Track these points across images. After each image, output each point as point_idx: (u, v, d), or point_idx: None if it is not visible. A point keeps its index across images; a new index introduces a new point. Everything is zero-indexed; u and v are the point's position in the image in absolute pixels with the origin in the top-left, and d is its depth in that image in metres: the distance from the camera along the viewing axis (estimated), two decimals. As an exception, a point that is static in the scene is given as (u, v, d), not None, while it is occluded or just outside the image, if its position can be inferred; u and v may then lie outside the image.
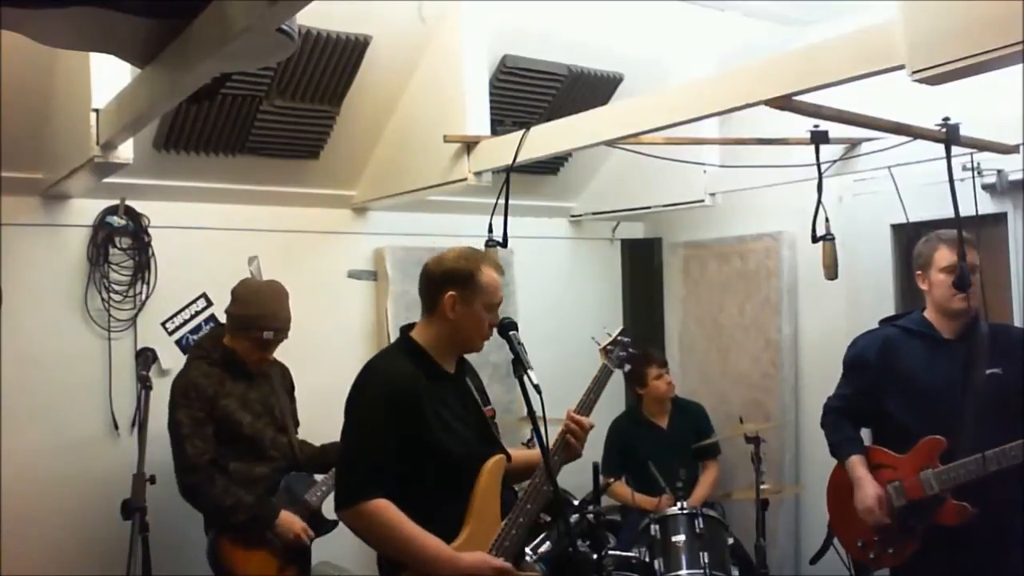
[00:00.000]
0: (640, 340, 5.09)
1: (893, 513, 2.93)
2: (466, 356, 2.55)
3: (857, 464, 3.03)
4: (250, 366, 3.20)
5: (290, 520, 3.08)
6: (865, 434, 3.18)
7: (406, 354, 2.40)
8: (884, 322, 3.22)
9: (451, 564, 2.21)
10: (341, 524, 3.30)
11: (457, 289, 2.36)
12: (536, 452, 2.46)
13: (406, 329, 2.49)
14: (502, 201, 3.11)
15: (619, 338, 2.87)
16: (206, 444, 3.02)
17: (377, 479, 2.23)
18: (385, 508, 2.21)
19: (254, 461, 3.12)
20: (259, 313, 3.16)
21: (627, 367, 2.90)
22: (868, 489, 2.96)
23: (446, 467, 2.31)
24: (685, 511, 3.56)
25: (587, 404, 2.61)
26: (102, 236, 3.51)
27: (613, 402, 4.91)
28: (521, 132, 3.13)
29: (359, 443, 2.31)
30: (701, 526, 3.50)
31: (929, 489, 2.84)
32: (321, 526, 3.28)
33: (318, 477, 3.34)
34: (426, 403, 2.31)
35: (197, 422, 3.02)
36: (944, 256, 2.94)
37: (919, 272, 3.05)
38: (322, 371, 3.86)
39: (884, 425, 3.09)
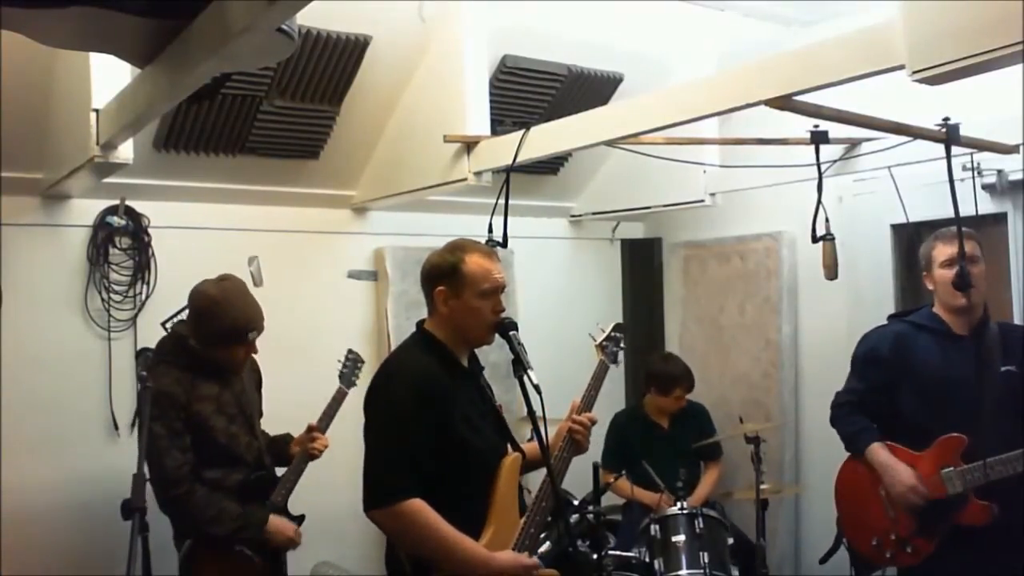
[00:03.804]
0: (644, 340, 5.09)
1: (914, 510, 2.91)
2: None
3: (879, 450, 2.99)
4: (234, 368, 3.06)
5: (282, 525, 2.99)
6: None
7: (426, 349, 2.39)
8: (893, 318, 3.22)
9: (487, 565, 2.22)
10: (337, 523, 3.37)
11: (445, 283, 2.37)
12: (535, 445, 2.49)
13: (421, 323, 2.49)
14: (502, 201, 3.11)
15: (613, 333, 2.96)
16: (184, 455, 2.88)
17: (412, 478, 2.21)
18: (422, 509, 2.19)
19: (229, 468, 2.99)
20: (243, 319, 2.96)
21: (619, 361, 2.99)
22: (901, 469, 2.92)
23: (469, 463, 2.32)
24: (685, 511, 3.56)
25: (589, 400, 2.68)
26: (102, 236, 3.51)
27: (613, 398, 4.92)
28: (521, 132, 3.13)
29: (390, 441, 2.26)
30: (701, 526, 3.50)
31: (952, 488, 2.83)
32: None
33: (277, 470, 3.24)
34: (452, 398, 2.31)
35: (174, 433, 2.87)
36: (942, 251, 2.95)
37: (925, 273, 3.06)
38: (321, 371, 3.86)
39: (897, 421, 3.05)
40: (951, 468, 2.84)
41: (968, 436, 2.82)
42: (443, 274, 2.38)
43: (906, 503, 2.91)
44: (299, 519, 3.20)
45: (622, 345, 3.00)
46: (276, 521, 2.99)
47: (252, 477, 3.07)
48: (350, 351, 3.48)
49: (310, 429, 3.26)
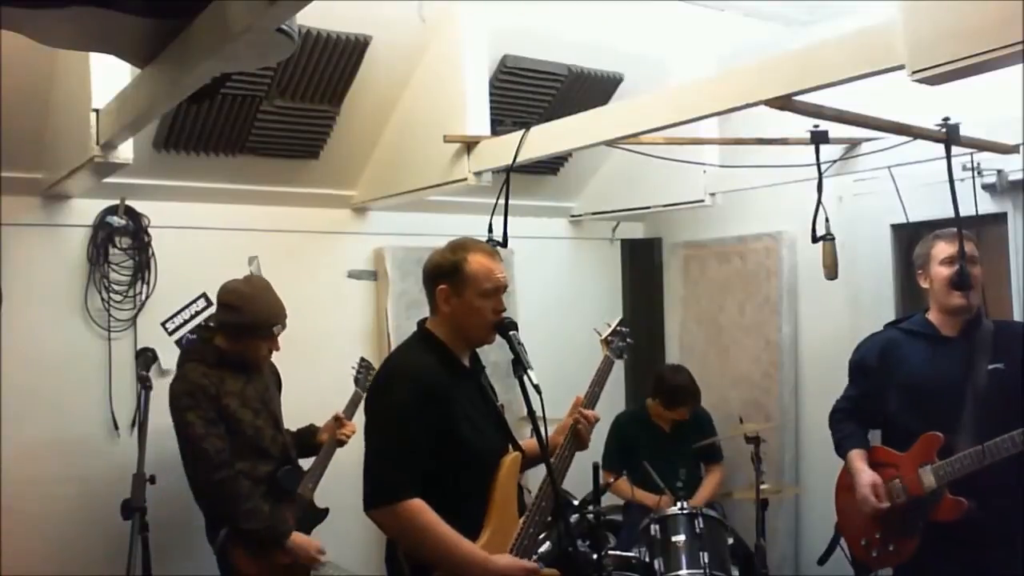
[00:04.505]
0: (644, 339, 5.10)
1: (895, 509, 2.93)
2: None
3: (855, 457, 3.06)
4: (258, 362, 3.19)
5: (305, 542, 3.07)
6: (875, 436, 3.19)
7: (427, 349, 2.39)
8: (888, 326, 3.24)
9: (485, 567, 2.21)
10: (338, 522, 3.37)
11: (447, 282, 2.37)
12: (534, 441, 2.51)
13: (422, 323, 2.48)
14: (502, 201, 3.11)
15: (619, 328, 2.97)
16: (223, 442, 2.99)
17: (412, 478, 2.21)
18: (422, 510, 2.19)
19: (257, 460, 3.10)
20: (267, 312, 3.14)
21: (624, 356, 3.01)
22: (863, 478, 2.98)
23: (470, 463, 2.32)
24: (685, 511, 3.56)
25: (592, 397, 2.70)
26: (102, 236, 3.51)
27: (613, 398, 4.92)
28: (521, 132, 3.13)
29: (390, 440, 2.26)
30: (701, 526, 3.50)
31: (928, 485, 2.85)
32: (316, 517, 3.29)
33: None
34: (452, 398, 2.31)
35: (209, 421, 2.99)
36: (943, 250, 2.95)
37: (920, 271, 3.06)
38: (322, 371, 3.86)
39: (889, 425, 3.11)
40: (926, 466, 2.86)
41: (949, 435, 2.83)
42: (445, 273, 2.38)
43: (865, 507, 2.96)
44: (323, 512, 3.32)
45: (628, 340, 3.01)
46: (299, 538, 3.06)
47: (281, 472, 3.16)
48: (362, 359, 3.63)
49: (336, 418, 3.39)
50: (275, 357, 3.29)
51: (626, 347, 2.99)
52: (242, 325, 3.11)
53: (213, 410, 3.01)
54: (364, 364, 3.60)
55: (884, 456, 3.02)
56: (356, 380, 3.56)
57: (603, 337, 2.98)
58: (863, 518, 3.02)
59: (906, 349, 3.04)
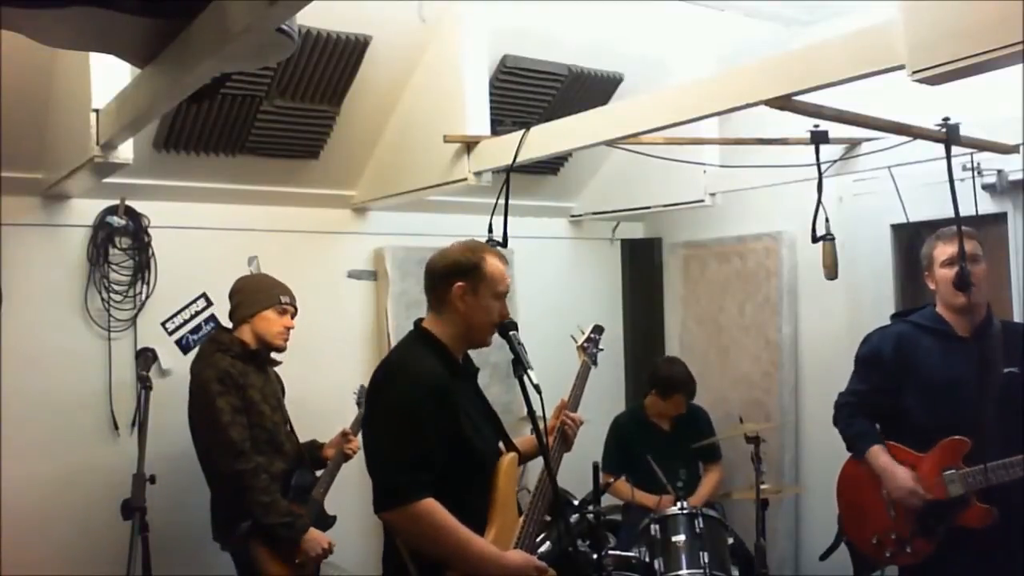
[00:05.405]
0: (644, 340, 5.08)
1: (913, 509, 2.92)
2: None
3: (879, 453, 3.01)
4: (275, 340, 3.21)
5: (318, 536, 3.08)
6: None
7: (427, 348, 2.38)
8: (896, 317, 3.22)
9: (499, 564, 2.22)
10: (337, 523, 3.37)
11: (465, 280, 2.35)
12: (529, 438, 2.56)
13: (419, 322, 2.47)
14: (502, 201, 3.11)
15: (592, 335, 3.03)
16: (246, 431, 3.01)
17: (424, 478, 2.19)
18: (435, 509, 2.17)
19: (274, 455, 3.11)
20: (269, 283, 3.26)
21: (597, 364, 3.04)
22: (899, 472, 2.94)
23: (472, 463, 2.32)
24: (685, 511, 3.56)
25: (575, 400, 2.74)
26: (102, 236, 3.51)
27: (614, 398, 4.92)
28: (521, 132, 3.13)
29: (400, 441, 2.23)
30: (701, 526, 3.50)
31: (953, 490, 2.83)
32: (325, 523, 3.29)
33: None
34: (455, 398, 2.31)
35: (236, 409, 3.01)
36: (943, 251, 2.96)
37: (926, 272, 3.07)
38: (322, 371, 3.87)
39: (899, 422, 3.06)
40: (953, 470, 2.84)
41: (970, 439, 2.82)
42: (464, 271, 2.36)
43: (906, 505, 2.92)
44: (332, 519, 3.32)
45: (600, 347, 3.06)
46: (313, 532, 3.08)
47: (298, 472, 3.19)
48: (362, 386, 3.58)
49: (344, 433, 3.42)
50: (276, 357, 3.29)
51: (598, 353, 3.04)
52: (249, 301, 3.20)
53: (239, 399, 3.04)
54: (364, 391, 3.61)
55: (901, 454, 2.98)
56: (358, 404, 3.58)
57: (579, 344, 3.03)
58: (878, 516, 2.99)
59: (921, 345, 3.02)
